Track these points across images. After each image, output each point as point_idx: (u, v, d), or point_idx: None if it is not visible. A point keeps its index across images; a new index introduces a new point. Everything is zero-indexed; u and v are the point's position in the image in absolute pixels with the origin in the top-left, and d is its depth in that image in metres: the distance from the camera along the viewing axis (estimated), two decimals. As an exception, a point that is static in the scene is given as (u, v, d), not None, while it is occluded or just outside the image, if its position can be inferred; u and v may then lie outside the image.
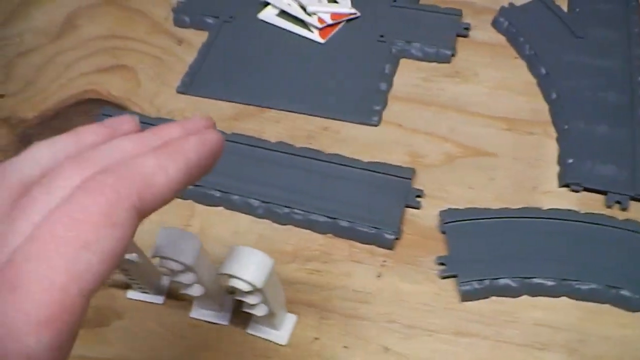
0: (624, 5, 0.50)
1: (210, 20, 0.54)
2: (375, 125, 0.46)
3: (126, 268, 0.36)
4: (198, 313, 0.39)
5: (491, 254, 0.38)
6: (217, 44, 0.52)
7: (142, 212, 0.21)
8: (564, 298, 0.38)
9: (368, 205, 0.41)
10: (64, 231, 0.19)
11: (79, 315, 0.18)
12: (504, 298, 0.38)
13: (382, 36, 0.50)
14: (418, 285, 0.39)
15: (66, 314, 0.18)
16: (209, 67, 0.51)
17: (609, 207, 0.41)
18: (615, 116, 0.44)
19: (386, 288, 0.39)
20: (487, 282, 0.37)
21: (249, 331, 0.38)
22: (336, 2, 0.52)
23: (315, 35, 0.51)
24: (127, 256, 0.35)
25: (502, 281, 0.37)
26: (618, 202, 0.40)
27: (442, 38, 0.49)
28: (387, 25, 0.51)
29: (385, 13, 0.52)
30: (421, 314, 0.37)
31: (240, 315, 0.38)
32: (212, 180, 0.43)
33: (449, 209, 0.41)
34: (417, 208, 0.41)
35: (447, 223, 0.40)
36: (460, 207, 0.41)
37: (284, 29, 0.52)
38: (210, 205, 0.43)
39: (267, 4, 0.53)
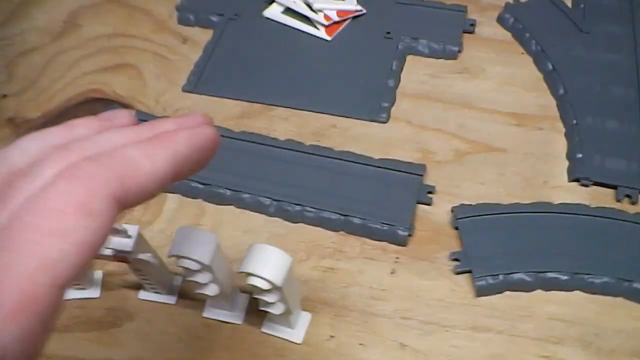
0: (629, 0, 0.50)
1: (214, 18, 0.53)
2: (384, 122, 0.46)
3: (139, 268, 0.36)
4: (211, 313, 0.38)
5: (504, 248, 0.38)
6: (222, 42, 0.52)
7: (124, 203, 0.20)
8: (577, 292, 0.38)
9: (380, 202, 0.41)
10: (38, 219, 0.18)
11: (51, 307, 0.18)
12: (518, 293, 0.38)
13: (388, 33, 0.50)
14: (432, 281, 0.39)
15: (36, 305, 0.17)
16: (214, 65, 0.50)
17: (618, 201, 0.41)
18: (624, 111, 0.44)
19: (400, 285, 0.39)
20: (501, 277, 0.38)
21: (264, 330, 0.37)
22: (341, -1, 0.52)
23: (321, 33, 0.51)
24: (141, 256, 0.35)
25: (516, 276, 0.38)
26: (628, 196, 0.41)
27: (448, 34, 0.49)
28: (393, 22, 0.51)
29: (391, 10, 0.51)
30: (437, 310, 0.37)
31: (253, 314, 0.38)
32: (222, 179, 0.43)
33: (462, 204, 0.41)
34: (429, 204, 0.41)
35: (460, 219, 0.40)
36: (472, 203, 0.41)
37: (289, 27, 0.52)
38: (221, 204, 0.43)
39: (273, 1, 0.53)
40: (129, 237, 0.34)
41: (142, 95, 0.50)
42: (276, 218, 0.42)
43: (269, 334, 0.37)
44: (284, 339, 0.37)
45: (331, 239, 0.41)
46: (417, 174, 0.42)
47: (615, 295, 0.37)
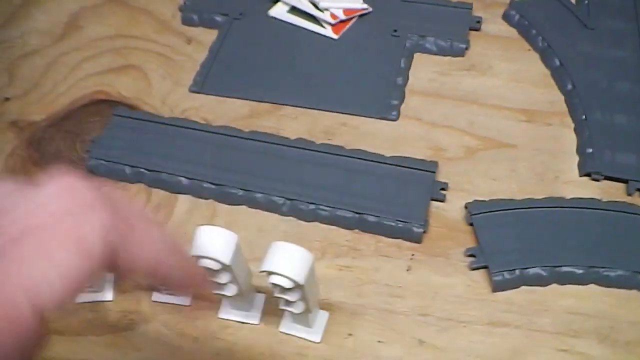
0: (633, -4, 0.50)
1: (219, 18, 0.53)
2: (394, 120, 0.46)
3: (156, 270, 0.36)
4: (227, 313, 0.38)
5: (519, 244, 0.39)
6: (228, 42, 0.51)
7: None
8: (592, 285, 0.38)
9: (394, 200, 0.41)
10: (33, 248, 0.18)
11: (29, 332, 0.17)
12: (533, 287, 0.38)
13: (395, 31, 0.50)
14: (449, 277, 0.39)
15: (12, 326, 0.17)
16: (221, 65, 0.50)
17: (629, 194, 0.41)
18: (632, 106, 0.44)
19: (417, 281, 0.39)
20: (517, 272, 0.38)
21: (282, 330, 0.37)
22: (346, -3, 0.52)
23: (328, 31, 0.51)
24: (159, 257, 0.34)
25: (532, 270, 0.38)
26: (639, 190, 0.41)
27: (455, 32, 0.49)
28: (400, 20, 0.51)
29: (397, 8, 0.52)
30: (454, 306, 0.37)
31: (270, 313, 0.38)
32: (233, 179, 0.42)
33: (475, 200, 0.41)
34: (442, 201, 0.41)
35: (474, 215, 0.40)
36: (485, 199, 0.41)
37: (295, 26, 0.52)
38: (233, 205, 0.43)
39: (278, 0, 0.53)
40: (146, 238, 0.34)
41: (147, 96, 0.50)
42: (289, 217, 0.42)
43: (287, 334, 0.37)
44: (303, 338, 0.37)
45: (345, 237, 0.41)
46: (429, 171, 0.42)
47: (630, 288, 0.38)
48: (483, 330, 0.36)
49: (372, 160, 0.42)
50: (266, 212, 0.42)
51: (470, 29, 0.50)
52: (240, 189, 0.42)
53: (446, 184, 0.42)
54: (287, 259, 0.30)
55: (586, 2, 0.51)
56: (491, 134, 0.45)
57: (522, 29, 0.50)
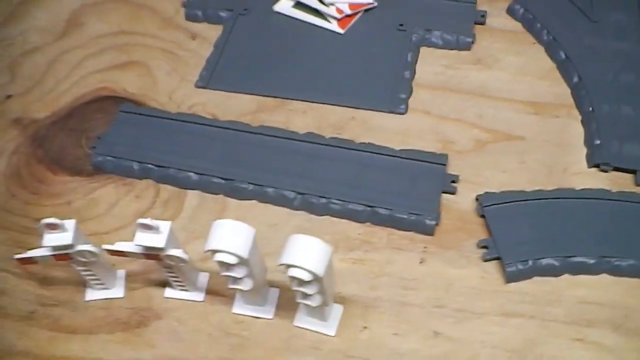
0: (634, -11, 0.51)
1: (223, 14, 0.53)
2: (403, 114, 0.46)
3: (169, 265, 0.36)
4: (241, 308, 0.38)
5: (531, 235, 0.39)
6: (233, 38, 0.51)
7: None
8: (604, 275, 0.38)
9: (405, 193, 0.41)
10: None
11: None
12: (546, 278, 0.38)
13: (401, 25, 0.50)
14: (462, 269, 0.39)
15: None
16: (227, 60, 0.50)
17: (638, 185, 0.42)
18: (639, 97, 0.44)
19: (431, 273, 0.39)
20: (530, 262, 0.38)
21: (296, 324, 0.37)
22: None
23: (334, 26, 0.50)
24: (173, 252, 0.34)
25: (544, 261, 0.38)
26: (647, 180, 0.41)
27: (461, 26, 0.50)
28: (405, 14, 0.51)
29: (402, 2, 0.52)
30: (468, 298, 0.37)
31: (284, 307, 0.38)
32: (243, 174, 0.42)
33: (487, 192, 0.41)
34: (453, 193, 0.42)
35: (486, 207, 0.40)
36: (495, 191, 0.41)
37: (300, 21, 0.51)
38: (243, 199, 0.42)
39: (282, -5, 0.53)
40: (161, 233, 0.33)
41: (153, 92, 0.49)
42: (300, 211, 0.42)
43: (301, 328, 0.37)
44: (318, 332, 0.37)
45: (357, 231, 0.41)
46: (440, 164, 0.42)
47: (642, 277, 0.38)
48: (498, 321, 0.37)
49: (382, 154, 0.42)
50: (277, 207, 0.42)
51: (475, 23, 0.50)
52: (251, 184, 0.42)
53: (457, 176, 0.42)
54: (306, 252, 0.30)
55: (589, -5, 0.51)
56: (500, 126, 0.45)
57: (526, 23, 0.50)
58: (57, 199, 0.44)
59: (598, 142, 0.43)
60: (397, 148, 0.43)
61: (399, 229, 0.40)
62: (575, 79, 0.46)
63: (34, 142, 0.48)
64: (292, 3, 0.52)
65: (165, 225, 0.33)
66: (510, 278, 0.38)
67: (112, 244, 0.35)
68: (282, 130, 0.45)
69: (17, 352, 0.38)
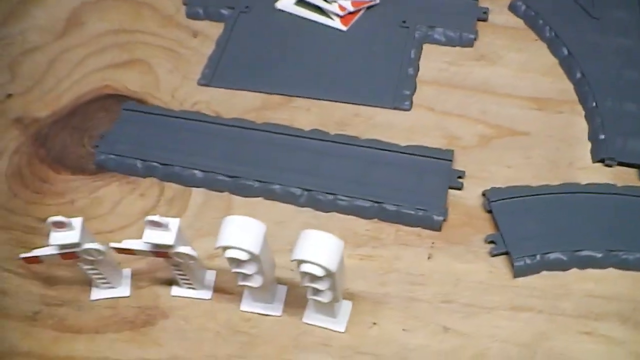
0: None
1: (225, 12, 0.53)
2: (407, 110, 0.46)
3: (177, 263, 0.35)
4: (249, 306, 0.38)
5: (538, 229, 0.39)
6: (235, 35, 0.51)
7: None
8: (611, 269, 0.38)
9: (412, 188, 0.41)
10: None
11: None
12: (554, 272, 0.38)
13: (404, 22, 0.50)
14: (470, 264, 0.39)
15: None
16: (229, 58, 0.50)
17: (642, 179, 0.42)
18: (641, 93, 0.45)
19: (438, 269, 0.39)
20: (538, 257, 0.38)
21: (305, 320, 0.37)
22: (353, -10, 0.52)
23: (336, 23, 0.50)
24: (182, 249, 0.34)
25: (552, 255, 0.38)
26: (651, 174, 0.42)
27: (463, 22, 0.50)
28: (407, 11, 0.51)
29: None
30: (477, 293, 0.37)
31: (292, 305, 0.37)
32: (249, 171, 0.42)
33: (493, 188, 0.41)
34: (460, 189, 0.42)
35: (493, 202, 0.40)
36: (502, 186, 0.41)
37: (303, 18, 0.51)
38: (249, 197, 0.42)
39: (284, -7, 0.52)
40: (170, 230, 0.33)
41: (156, 90, 0.49)
42: (307, 208, 0.41)
43: (311, 325, 0.37)
44: (327, 329, 0.36)
45: (365, 227, 0.40)
46: (446, 159, 0.42)
47: (648, 271, 0.38)
48: (506, 316, 0.37)
49: (388, 150, 0.42)
50: (283, 204, 0.42)
51: (478, 20, 0.51)
52: (256, 181, 0.42)
53: (463, 172, 0.42)
54: (319, 247, 0.30)
55: (590, -8, 0.51)
56: (504, 122, 0.45)
57: (528, 20, 0.51)
58: (61, 198, 0.43)
59: (602, 137, 0.43)
60: (403, 144, 0.43)
61: (406, 224, 0.40)
62: (578, 75, 0.47)
63: (36, 141, 0.47)
64: (294, 0, 0.52)
65: (174, 222, 0.33)
66: (518, 273, 0.38)
67: (117, 242, 0.35)
68: (287, 127, 0.44)
69: (20, 353, 0.37)
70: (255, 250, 0.31)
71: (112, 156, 0.44)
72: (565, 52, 0.48)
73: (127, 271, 0.39)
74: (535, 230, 0.39)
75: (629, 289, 0.37)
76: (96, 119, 0.48)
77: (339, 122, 0.46)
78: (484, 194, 0.41)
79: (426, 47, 0.50)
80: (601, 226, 0.39)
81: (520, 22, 0.51)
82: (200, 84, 0.49)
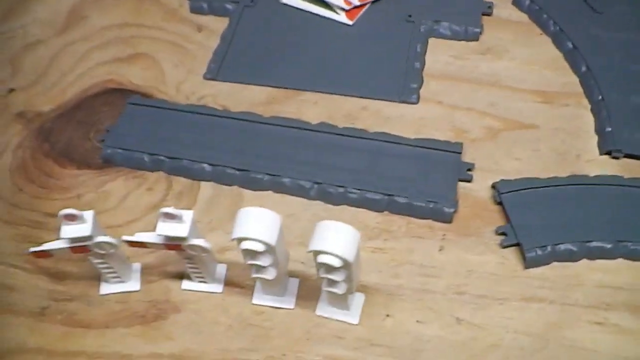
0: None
1: (229, 6, 0.52)
2: (415, 103, 0.46)
3: (190, 256, 0.35)
4: (261, 299, 0.37)
5: (548, 221, 0.39)
6: (240, 29, 0.51)
7: None
8: (620, 260, 0.39)
9: (422, 181, 0.41)
10: None
11: None
12: (564, 263, 0.38)
13: (410, 16, 0.50)
14: (481, 256, 0.39)
15: None
16: (235, 52, 0.49)
17: (649, 171, 0.42)
18: (647, 86, 0.45)
19: (450, 261, 0.39)
20: (549, 248, 0.38)
21: (318, 313, 0.37)
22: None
23: (342, 17, 0.50)
24: (196, 241, 0.34)
25: (562, 246, 0.38)
26: (658, 166, 0.42)
27: (468, 17, 0.50)
28: (413, 5, 0.51)
29: (409, -6, 0.52)
30: (489, 284, 0.38)
31: (305, 297, 0.37)
32: (258, 164, 0.42)
33: (503, 180, 0.41)
34: (469, 181, 0.42)
35: (503, 193, 0.40)
36: (511, 178, 0.41)
37: (308, 12, 0.51)
38: (259, 190, 0.42)
39: (289, -13, 0.52)
40: (184, 222, 0.33)
41: (161, 84, 0.49)
42: (317, 201, 0.41)
43: (324, 317, 0.37)
44: (340, 321, 0.36)
45: (376, 220, 0.40)
46: (455, 152, 0.42)
47: (657, 261, 0.38)
48: (518, 306, 0.37)
49: (397, 143, 0.42)
50: (293, 197, 0.42)
51: (482, 15, 0.51)
52: (266, 174, 0.42)
53: (472, 164, 0.42)
54: (337, 238, 0.30)
55: (593, -14, 0.52)
56: (512, 115, 0.45)
57: (533, 14, 0.51)
58: (67, 192, 0.43)
59: (609, 129, 0.43)
60: (411, 137, 0.43)
61: (417, 217, 0.40)
62: (584, 69, 0.47)
63: (39, 135, 0.47)
64: (300, -6, 0.52)
65: (188, 214, 0.33)
66: (529, 264, 0.38)
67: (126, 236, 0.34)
68: (296, 121, 0.44)
69: (29, 349, 0.37)
70: (272, 241, 0.31)
71: (119, 150, 0.44)
72: (570, 45, 0.48)
73: (136, 265, 0.39)
74: (545, 222, 0.39)
75: (638, 279, 0.38)
76: (101, 113, 0.47)
77: (347, 116, 0.46)
78: (493, 186, 0.41)
79: (432, 41, 0.50)
80: (610, 217, 0.39)
81: (524, 17, 0.51)
82: (206, 78, 0.49)
